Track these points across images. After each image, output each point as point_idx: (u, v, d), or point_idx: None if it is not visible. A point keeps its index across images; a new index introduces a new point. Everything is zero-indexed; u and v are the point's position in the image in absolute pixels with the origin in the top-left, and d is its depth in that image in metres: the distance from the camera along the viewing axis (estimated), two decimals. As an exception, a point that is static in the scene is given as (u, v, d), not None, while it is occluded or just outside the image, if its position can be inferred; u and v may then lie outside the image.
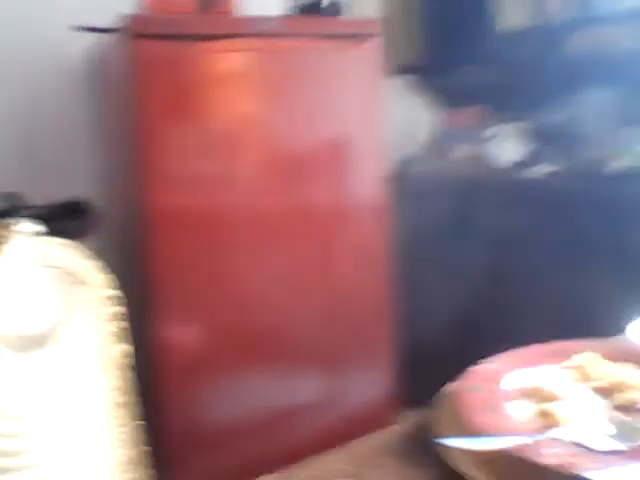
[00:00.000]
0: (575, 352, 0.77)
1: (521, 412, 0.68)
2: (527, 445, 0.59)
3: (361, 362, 2.02)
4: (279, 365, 1.89)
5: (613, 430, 0.63)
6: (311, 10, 2.00)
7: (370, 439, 0.76)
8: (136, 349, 0.93)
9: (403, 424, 0.77)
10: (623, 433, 0.62)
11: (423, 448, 0.69)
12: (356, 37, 1.94)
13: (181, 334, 1.76)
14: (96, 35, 1.89)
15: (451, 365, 0.81)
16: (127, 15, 1.66)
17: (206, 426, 1.80)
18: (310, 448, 0.79)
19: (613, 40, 2.16)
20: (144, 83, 1.66)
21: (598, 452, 0.59)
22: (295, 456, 0.76)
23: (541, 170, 2.27)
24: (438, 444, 0.64)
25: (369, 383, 2.04)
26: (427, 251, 2.48)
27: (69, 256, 0.77)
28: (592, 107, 2.19)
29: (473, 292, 2.32)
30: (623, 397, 0.68)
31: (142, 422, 0.85)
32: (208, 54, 1.74)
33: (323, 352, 1.96)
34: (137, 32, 1.65)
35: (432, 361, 2.04)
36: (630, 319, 0.93)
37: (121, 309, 0.87)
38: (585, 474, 0.54)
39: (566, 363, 0.76)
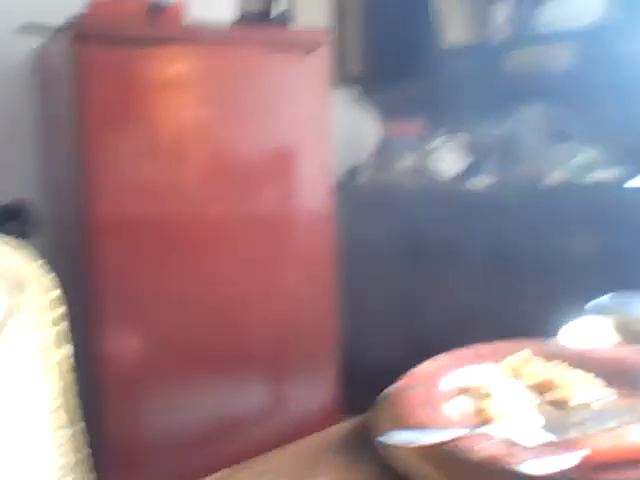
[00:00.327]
0: (510, 352, 0.80)
1: (458, 409, 0.71)
2: (462, 439, 0.61)
3: (305, 370, 2.03)
4: (222, 374, 1.88)
5: (543, 423, 0.67)
6: (259, 19, 2.01)
7: (313, 438, 0.77)
8: (77, 355, 0.93)
9: (345, 424, 0.79)
10: (553, 426, 0.65)
11: (364, 445, 0.70)
12: (303, 47, 1.96)
13: (122, 341, 1.73)
14: (41, 37, 1.86)
15: (395, 373, 0.83)
16: (71, 17, 1.64)
17: (148, 434, 1.78)
18: (254, 457, 0.80)
19: (549, 59, 2.25)
20: (86, 86, 1.64)
21: (529, 445, 0.62)
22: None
23: (481, 182, 2.34)
24: (378, 440, 0.66)
25: (313, 391, 2.04)
26: (371, 260, 2.52)
27: (11, 258, 0.77)
28: (528, 122, 2.28)
29: (415, 300, 2.37)
30: (554, 394, 0.72)
31: (83, 426, 0.84)
32: (155, 59, 1.73)
33: (267, 361, 1.96)
34: (80, 35, 1.63)
35: (375, 369, 2.07)
36: (562, 323, 0.98)
37: (63, 312, 0.86)
38: (515, 466, 0.57)
39: (501, 362, 0.80)
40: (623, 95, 2.09)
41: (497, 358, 0.81)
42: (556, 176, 2.13)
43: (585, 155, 2.13)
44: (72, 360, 0.84)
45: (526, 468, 0.56)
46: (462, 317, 2.14)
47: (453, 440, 0.61)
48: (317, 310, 2.03)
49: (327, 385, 2.06)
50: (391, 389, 0.77)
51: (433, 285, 2.31)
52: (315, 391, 2.04)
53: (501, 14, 2.48)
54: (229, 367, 1.89)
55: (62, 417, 0.79)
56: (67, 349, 0.82)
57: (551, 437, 0.63)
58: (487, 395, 0.72)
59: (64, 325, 0.82)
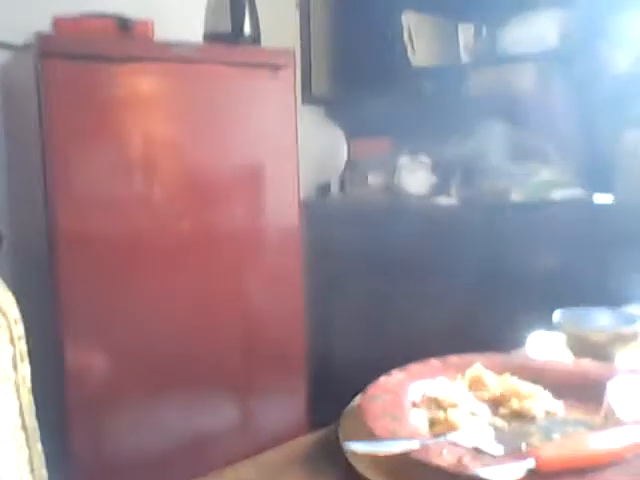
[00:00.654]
0: (464, 366, 0.83)
1: (418, 419, 0.73)
2: (423, 448, 0.63)
3: (274, 387, 2.03)
4: (189, 391, 1.87)
5: (494, 435, 0.69)
6: (228, 38, 2.04)
7: (280, 449, 0.79)
8: (40, 374, 0.92)
9: (312, 435, 0.80)
10: (503, 438, 0.68)
11: (330, 456, 0.72)
12: (271, 66, 1.99)
13: (86, 359, 1.72)
14: (6, 53, 1.86)
15: (361, 385, 0.85)
16: (36, 33, 1.65)
17: (113, 453, 1.76)
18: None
19: (512, 79, 2.31)
20: (51, 102, 1.64)
21: (482, 454, 0.64)
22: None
23: (447, 199, 2.38)
24: (343, 451, 0.68)
25: (282, 408, 2.04)
26: (340, 276, 2.54)
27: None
28: (492, 141, 2.33)
29: (382, 315, 2.39)
30: (505, 407, 0.75)
31: (41, 447, 0.84)
32: (122, 76, 1.74)
33: (236, 378, 1.96)
34: (44, 51, 1.63)
35: (341, 382, 2.08)
36: (525, 336, 1.01)
37: (22, 331, 0.86)
38: (470, 472, 0.59)
39: (457, 376, 0.82)
40: (584, 115, 2.15)
41: (452, 371, 0.83)
42: (519, 194, 2.18)
43: (546, 174, 2.18)
44: (31, 380, 0.83)
45: (483, 474, 0.58)
46: (428, 331, 2.16)
47: (415, 449, 0.63)
48: (286, 327, 2.04)
49: (296, 401, 2.06)
50: (356, 401, 0.79)
51: (401, 300, 2.33)
52: (284, 407, 2.05)
53: (465, 36, 2.53)
54: (196, 385, 1.88)
55: (20, 437, 0.79)
56: (26, 368, 0.82)
57: (501, 448, 0.65)
58: (445, 406, 0.74)
59: (23, 344, 0.82)
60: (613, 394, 0.66)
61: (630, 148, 2.01)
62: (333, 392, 2.18)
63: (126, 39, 1.83)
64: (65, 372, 1.68)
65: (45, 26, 1.76)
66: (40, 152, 1.67)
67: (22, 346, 0.83)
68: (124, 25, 1.83)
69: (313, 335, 2.27)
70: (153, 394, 1.80)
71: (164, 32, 1.97)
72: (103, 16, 1.83)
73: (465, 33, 2.54)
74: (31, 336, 0.89)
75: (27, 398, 0.81)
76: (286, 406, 2.05)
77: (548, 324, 1.00)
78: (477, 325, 2.02)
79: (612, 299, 1.09)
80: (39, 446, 0.82)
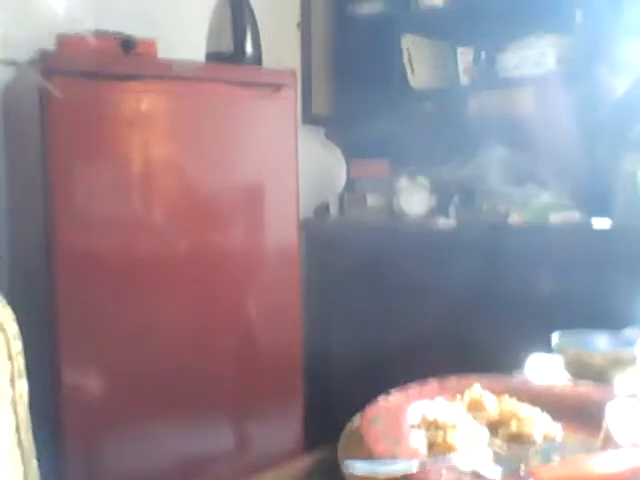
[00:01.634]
0: (462, 387, 0.83)
1: (417, 441, 0.73)
2: (420, 470, 0.63)
3: (271, 408, 2.01)
4: (186, 413, 1.85)
5: (493, 458, 0.69)
6: (230, 57, 2.05)
7: (278, 470, 0.78)
8: (36, 391, 0.92)
9: (309, 457, 0.80)
10: (502, 460, 0.68)
11: (328, 477, 0.72)
12: (272, 86, 2.01)
13: (83, 378, 1.70)
14: (9, 70, 1.87)
15: (359, 406, 0.85)
16: (40, 50, 1.66)
17: (109, 474, 1.74)
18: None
19: (510, 103, 2.33)
20: (53, 119, 1.65)
21: (480, 476, 0.64)
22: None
23: (445, 222, 2.39)
24: (341, 471, 0.67)
25: (279, 429, 2.03)
26: (338, 297, 2.54)
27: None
28: (490, 165, 2.34)
29: (381, 337, 2.39)
30: (504, 429, 0.75)
31: (37, 464, 0.83)
32: (125, 95, 1.75)
33: (233, 398, 1.94)
34: (48, 68, 1.64)
35: (341, 405, 2.08)
36: (523, 359, 1.01)
37: (20, 348, 0.86)
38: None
39: (456, 397, 0.82)
40: (582, 139, 2.17)
41: (451, 392, 0.83)
42: (517, 217, 2.18)
43: (545, 197, 2.19)
44: (29, 398, 0.83)
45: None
46: (427, 352, 2.16)
47: (414, 471, 0.63)
48: (284, 348, 2.03)
49: (293, 421, 2.05)
50: (354, 422, 0.78)
51: (399, 321, 2.33)
52: (281, 428, 2.03)
53: (464, 59, 2.56)
54: (193, 405, 1.87)
55: (16, 454, 0.78)
56: (24, 385, 0.81)
57: (499, 470, 0.65)
58: (444, 427, 0.74)
59: (21, 361, 0.81)
60: (611, 417, 0.66)
61: (628, 172, 2.02)
62: (330, 411, 2.17)
63: (129, 57, 1.84)
64: (61, 390, 1.67)
65: (50, 44, 1.77)
66: (41, 169, 1.68)
67: (20, 362, 0.82)
68: (127, 44, 1.85)
69: (311, 356, 2.26)
70: (149, 414, 1.79)
71: (167, 51, 1.99)
72: (107, 34, 1.85)
73: (464, 56, 2.56)
74: (28, 353, 0.89)
75: (24, 415, 0.81)
76: (283, 427, 2.03)
77: (547, 346, 1.00)
78: (476, 347, 2.02)
79: (611, 322, 1.09)
80: (35, 464, 0.82)
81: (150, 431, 1.78)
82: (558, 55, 2.29)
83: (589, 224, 2.09)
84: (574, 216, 2.13)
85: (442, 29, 2.62)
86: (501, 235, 2.13)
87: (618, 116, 2.03)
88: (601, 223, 2.06)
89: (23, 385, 0.81)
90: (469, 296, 2.11)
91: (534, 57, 2.30)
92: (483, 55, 2.51)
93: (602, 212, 2.08)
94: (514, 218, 2.19)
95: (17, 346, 0.81)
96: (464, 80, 2.56)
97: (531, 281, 2.00)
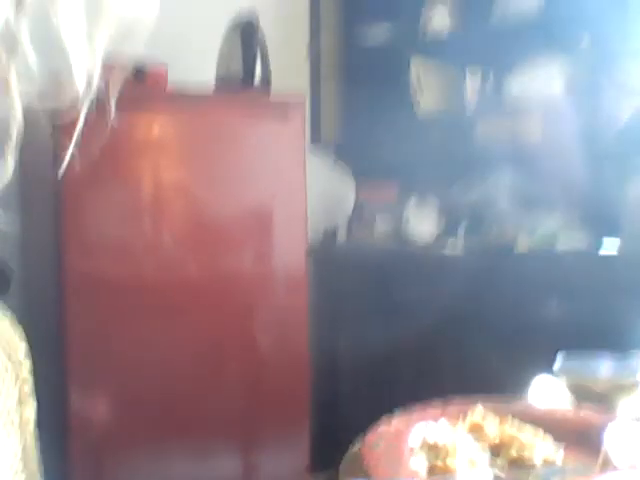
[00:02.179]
0: (465, 410, 0.83)
1: (417, 464, 0.73)
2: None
3: (277, 436, 2.00)
4: (193, 440, 1.85)
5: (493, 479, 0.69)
6: (240, 82, 2.08)
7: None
8: (42, 416, 0.93)
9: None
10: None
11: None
12: (282, 111, 2.03)
13: (90, 404, 1.71)
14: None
15: (362, 430, 0.85)
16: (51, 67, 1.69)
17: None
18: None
19: (518, 128, 2.34)
20: (66, 147, 1.67)
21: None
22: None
23: (454, 246, 2.39)
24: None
25: (286, 456, 2.02)
26: (346, 321, 2.54)
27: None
28: (500, 188, 2.35)
29: (389, 362, 2.38)
30: (506, 451, 0.75)
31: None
32: (136, 123, 1.78)
33: (239, 426, 1.94)
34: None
35: (348, 430, 2.07)
36: (529, 383, 1.01)
37: (30, 370, 0.87)
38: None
39: (458, 420, 0.82)
40: (589, 164, 2.17)
41: (453, 415, 0.83)
42: (525, 242, 2.19)
43: (553, 222, 2.19)
44: (37, 423, 0.83)
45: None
46: (433, 375, 2.15)
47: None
48: (290, 374, 2.02)
49: (299, 449, 2.03)
50: (356, 446, 0.79)
51: (406, 345, 2.33)
52: (287, 455, 2.02)
53: (472, 82, 2.58)
54: (201, 432, 1.86)
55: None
56: (31, 411, 0.81)
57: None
58: (446, 451, 0.74)
59: (29, 386, 0.82)
60: (610, 440, 0.67)
61: (635, 196, 2.02)
62: (337, 435, 2.16)
63: (140, 87, 1.87)
64: (69, 414, 1.67)
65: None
66: (54, 195, 1.70)
67: (28, 388, 0.83)
68: (138, 74, 1.88)
69: (318, 381, 2.26)
70: (157, 440, 1.79)
71: (178, 75, 2.02)
72: (119, 63, 1.88)
73: (472, 80, 2.58)
74: (36, 377, 0.90)
75: (30, 441, 0.81)
76: (290, 453, 2.02)
77: (551, 370, 1.00)
78: (482, 370, 2.02)
79: (616, 346, 1.09)
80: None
81: (157, 457, 1.78)
82: (565, 79, 2.30)
83: (596, 250, 2.09)
84: (582, 241, 2.13)
85: (450, 54, 2.64)
86: (509, 260, 2.13)
87: (625, 140, 2.04)
88: (610, 244, 2.06)
89: (30, 411, 0.81)
90: (476, 320, 2.10)
91: (541, 82, 2.32)
92: (491, 79, 2.53)
93: (610, 236, 2.08)
94: (522, 243, 2.20)
95: (25, 371, 0.82)
96: (472, 104, 2.58)
97: (538, 306, 2.00)
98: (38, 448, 0.83)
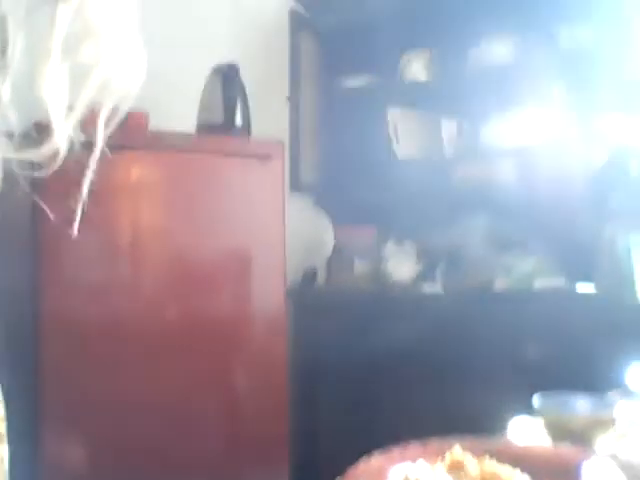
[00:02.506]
0: (448, 449, 0.83)
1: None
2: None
3: (258, 476, 1.98)
4: (170, 478, 1.82)
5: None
6: (221, 128, 2.11)
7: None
8: (17, 458, 0.91)
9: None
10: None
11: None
12: (261, 156, 2.05)
13: (67, 447, 1.68)
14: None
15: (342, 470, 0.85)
16: (33, 123, 1.70)
17: None
18: None
19: (493, 172, 2.39)
20: (44, 187, 1.67)
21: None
22: None
23: (432, 288, 2.42)
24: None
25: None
26: (325, 363, 2.53)
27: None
28: (477, 231, 2.38)
29: (368, 404, 2.37)
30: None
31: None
32: (116, 165, 1.79)
33: (219, 466, 1.91)
34: (41, 140, 1.68)
35: (327, 472, 2.05)
36: (508, 422, 1.02)
37: (4, 414, 0.85)
38: None
39: (437, 459, 0.82)
40: (564, 207, 2.22)
41: (432, 454, 0.83)
42: (502, 283, 2.21)
43: (529, 263, 2.23)
44: (9, 464, 0.82)
45: None
46: (412, 416, 2.14)
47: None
48: (269, 416, 2.01)
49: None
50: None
51: (385, 387, 2.32)
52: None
53: (448, 130, 2.64)
54: (177, 472, 1.83)
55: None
56: (4, 451, 0.80)
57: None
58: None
59: (3, 426, 0.81)
60: (589, 478, 0.67)
61: (609, 239, 2.06)
62: (315, 476, 2.13)
63: (121, 129, 1.88)
64: (42, 459, 1.64)
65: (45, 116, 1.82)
66: (31, 236, 1.69)
67: (1, 427, 0.82)
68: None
69: (297, 423, 2.24)
70: (132, 482, 1.76)
71: (159, 122, 2.04)
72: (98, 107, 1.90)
73: (448, 128, 2.64)
74: (9, 418, 0.89)
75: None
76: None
77: (531, 410, 1.01)
78: (461, 411, 2.01)
79: (593, 386, 1.10)
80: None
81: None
82: (538, 127, 2.37)
83: (573, 290, 2.12)
84: (558, 282, 2.16)
85: (427, 102, 2.71)
86: (486, 301, 2.16)
87: (597, 185, 2.09)
88: (584, 289, 2.09)
89: (3, 451, 0.80)
90: (454, 361, 2.11)
91: (515, 129, 2.38)
92: (466, 127, 2.59)
93: (586, 278, 2.11)
94: (499, 284, 2.22)
95: (2, 412, 0.81)
96: (448, 150, 2.63)
97: (515, 346, 2.02)
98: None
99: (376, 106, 2.68)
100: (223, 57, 2.20)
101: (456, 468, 0.79)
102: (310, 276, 2.79)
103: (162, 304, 1.84)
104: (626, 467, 0.75)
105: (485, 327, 2.07)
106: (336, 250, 2.82)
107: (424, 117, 2.76)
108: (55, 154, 0.47)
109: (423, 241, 2.54)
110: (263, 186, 2.05)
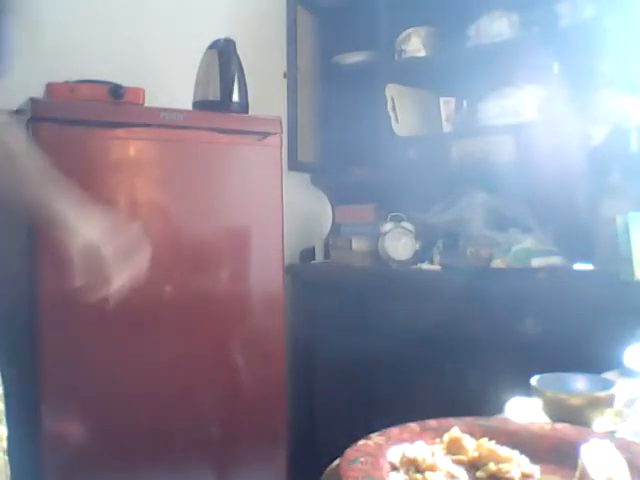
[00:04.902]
0: (446, 430, 0.83)
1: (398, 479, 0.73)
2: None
3: (255, 452, 2.00)
4: (171, 458, 1.84)
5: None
6: (217, 106, 2.09)
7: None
8: (17, 436, 0.91)
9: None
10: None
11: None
12: (259, 134, 2.04)
13: (65, 426, 1.68)
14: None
15: (340, 449, 0.85)
16: (28, 99, 1.69)
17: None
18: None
19: (491, 150, 2.38)
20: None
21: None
22: None
23: (430, 266, 2.42)
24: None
25: (263, 474, 2.02)
26: (323, 341, 2.54)
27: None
28: (475, 210, 2.38)
29: (367, 381, 2.38)
30: (482, 471, 0.75)
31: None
32: (113, 141, 1.78)
33: (217, 442, 1.93)
34: (36, 115, 1.67)
35: (325, 450, 2.06)
36: (505, 402, 1.02)
37: (2, 393, 0.85)
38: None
39: (438, 439, 0.83)
40: (562, 186, 2.21)
41: (430, 435, 0.83)
42: (500, 261, 2.21)
43: (527, 242, 2.22)
44: (8, 443, 0.82)
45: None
46: (410, 395, 2.16)
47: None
48: (268, 393, 2.02)
49: (277, 466, 2.04)
50: (335, 463, 0.79)
51: (384, 365, 2.33)
52: (265, 473, 2.02)
53: (447, 108, 2.62)
54: (176, 451, 1.85)
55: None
56: (3, 430, 0.81)
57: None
58: (424, 468, 0.74)
59: (1, 406, 0.81)
60: (587, 456, 0.67)
61: (607, 218, 2.06)
62: (315, 453, 2.15)
63: (117, 105, 1.87)
64: (41, 437, 1.65)
65: (39, 92, 1.80)
66: (27, 218, 1.68)
67: (1, 408, 0.82)
68: (116, 91, 1.88)
69: (295, 399, 2.25)
70: (132, 460, 1.77)
71: (155, 100, 2.03)
72: (96, 82, 1.89)
73: (446, 105, 2.62)
74: (9, 398, 0.89)
75: (2, 459, 0.81)
76: (267, 470, 2.03)
77: (528, 390, 1.01)
78: (459, 390, 2.03)
79: (591, 366, 1.10)
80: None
81: (131, 477, 1.76)
82: (537, 105, 2.35)
83: (571, 268, 2.12)
84: (556, 261, 2.16)
85: (425, 79, 2.69)
86: (484, 278, 2.15)
87: (596, 163, 2.08)
88: (583, 266, 2.09)
89: (3, 427, 0.80)
90: (452, 339, 2.12)
91: (514, 106, 2.36)
92: (465, 104, 2.58)
93: (584, 257, 2.11)
94: (497, 262, 2.22)
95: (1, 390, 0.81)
96: (447, 128, 2.62)
97: (513, 324, 2.02)
98: (8, 465, 0.82)
99: (375, 83, 2.66)
100: (220, 33, 2.18)
101: (455, 449, 0.80)
102: (308, 254, 2.79)
103: (160, 282, 1.83)
104: (624, 446, 0.75)
105: (483, 305, 2.07)
106: (334, 228, 2.82)
107: (423, 94, 2.74)
108: None
109: (421, 219, 2.54)
110: (261, 163, 2.04)
